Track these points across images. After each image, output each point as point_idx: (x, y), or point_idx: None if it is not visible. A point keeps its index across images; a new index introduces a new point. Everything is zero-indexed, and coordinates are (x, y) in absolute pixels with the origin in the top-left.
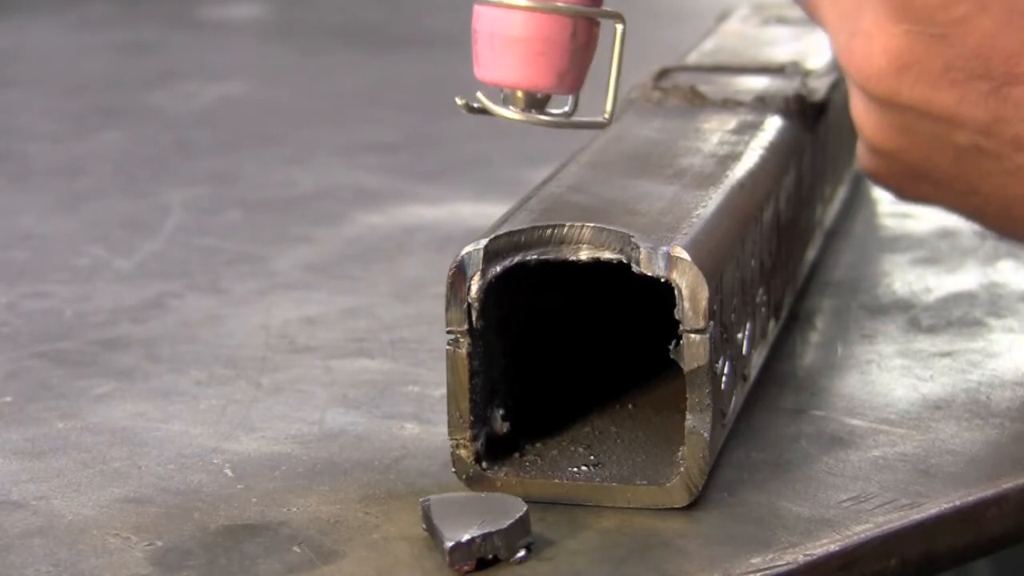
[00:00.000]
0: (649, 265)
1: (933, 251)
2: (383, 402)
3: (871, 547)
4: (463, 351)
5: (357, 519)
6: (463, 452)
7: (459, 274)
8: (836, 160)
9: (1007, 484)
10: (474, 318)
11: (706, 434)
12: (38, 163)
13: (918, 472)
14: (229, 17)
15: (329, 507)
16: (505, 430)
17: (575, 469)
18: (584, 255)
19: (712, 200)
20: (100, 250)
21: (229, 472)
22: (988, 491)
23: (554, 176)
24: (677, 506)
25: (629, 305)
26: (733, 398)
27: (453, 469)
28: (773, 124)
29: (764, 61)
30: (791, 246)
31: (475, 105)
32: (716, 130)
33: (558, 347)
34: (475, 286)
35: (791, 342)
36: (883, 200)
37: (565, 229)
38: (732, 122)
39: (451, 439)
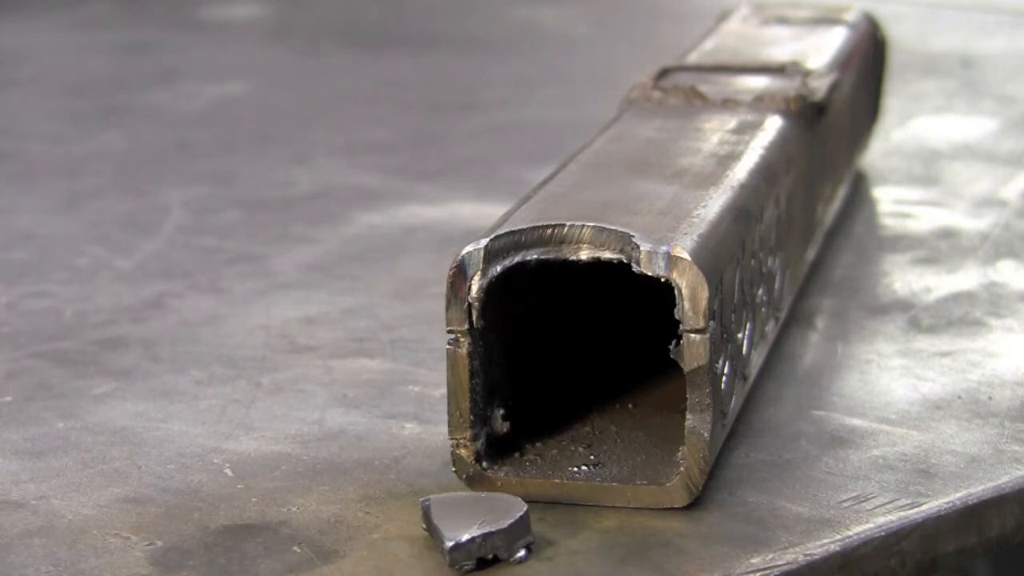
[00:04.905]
0: (649, 265)
1: (933, 251)
2: (383, 402)
3: (871, 547)
4: (463, 351)
5: (357, 519)
6: (463, 452)
7: (459, 274)
8: (836, 160)
9: (1007, 484)
10: (474, 318)
11: (706, 434)
12: (38, 163)
13: (918, 472)
14: (229, 17)
15: (329, 507)
16: (505, 430)
17: (575, 469)
18: (584, 255)
19: (712, 200)
20: (100, 250)
21: (229, 472)
22: (988, 491)
23: (554, 176)
24: (677, 506)
25: (629, 305)
26: (733, 398)
27: (453, 469)
28: (773, 124)
29: (764, 61)
30: (791, 246)
31: None
32: (716, 130)
33: (558, 347)
34: (475, 286)
35: (791, 342)
36: (883, 200)
37: (565, 229)
38: (732, 122)
39: (451, 439)
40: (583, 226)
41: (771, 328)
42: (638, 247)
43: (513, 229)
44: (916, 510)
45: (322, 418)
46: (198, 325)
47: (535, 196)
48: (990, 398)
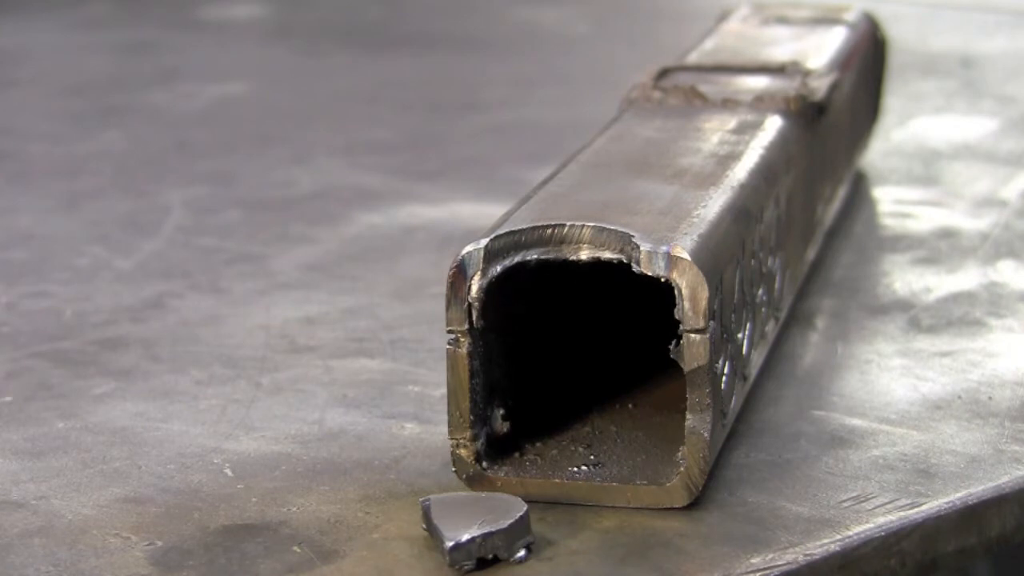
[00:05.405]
0: (649, 265)
1: (933, 251)
2: (383, 402)
3: (871, 547)
4: (463, 351)
5: (357, 519)
6: (463, 452)
7: (459, 274)
8: (836, 160)
9: (1007, 484)
10: (474, 318)
11: (706, 434)
12: (38, 163)
13: (918, 472)
14: (229, 17)
15: (329, 507)
16: (505, 430)
17: (575, 469)
18: (584, 255)
19: (712, 200)
20: (100, 250)
21: (229, 472)
22: (988, 491)
23: (554, 176)
24: (677, 506)
25: (629, 305)
26: (733, 398)
27: (453, 469)
28: (773, 124)
29: (764, 61)
30: (791, 246)
31: None
32: (716, 130)
33: (558, 347)
34: (475, 286)
35: (791, 342)
36: (883, 200)
37: (565, 229)
38: (732, 122)
39: (451, 439)
40: (583, 226)
41: (771, 328)
42: (638, 247)
43: (513, 229)
44: (916, 510)
45: (322, 418)
46: (198, 325)
47: (535, 196)
48: (990, 398)
